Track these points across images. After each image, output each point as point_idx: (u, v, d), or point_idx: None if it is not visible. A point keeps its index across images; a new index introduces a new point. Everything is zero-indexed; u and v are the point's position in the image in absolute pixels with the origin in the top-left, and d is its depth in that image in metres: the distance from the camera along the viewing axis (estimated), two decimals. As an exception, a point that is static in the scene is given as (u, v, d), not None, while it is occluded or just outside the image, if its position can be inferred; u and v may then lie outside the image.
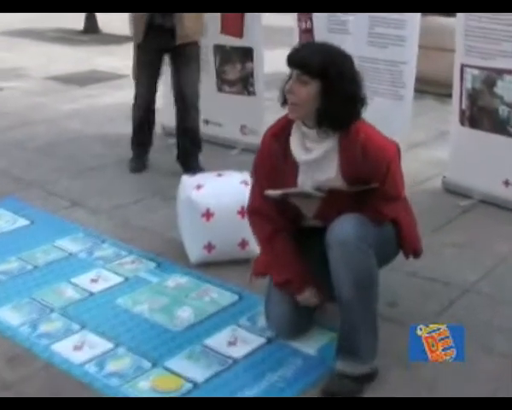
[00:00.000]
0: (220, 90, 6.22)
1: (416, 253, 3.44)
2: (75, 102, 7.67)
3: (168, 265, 4.25)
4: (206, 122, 6.34)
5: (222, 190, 4.11)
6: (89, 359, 3.38)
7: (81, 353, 3.43)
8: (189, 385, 3.18)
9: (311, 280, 3.33)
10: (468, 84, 5.04)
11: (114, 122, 6.69)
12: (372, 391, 3.10)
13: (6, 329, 3.63)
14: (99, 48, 6.31)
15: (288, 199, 3.22)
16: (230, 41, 6.00)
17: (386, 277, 3.84)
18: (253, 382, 3.18)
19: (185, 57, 5.45)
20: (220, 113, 6.23)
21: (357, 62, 5.14)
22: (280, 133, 3.26)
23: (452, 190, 5.28)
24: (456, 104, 5.16)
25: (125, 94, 7.72)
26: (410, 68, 5.20)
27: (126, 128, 6.54)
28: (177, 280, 4.08)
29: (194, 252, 4.20)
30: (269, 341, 3.49)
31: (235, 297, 3.88)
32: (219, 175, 4.29)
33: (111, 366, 3.32)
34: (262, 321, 3.58)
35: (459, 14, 5.04)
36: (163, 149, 6.28)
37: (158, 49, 5.43)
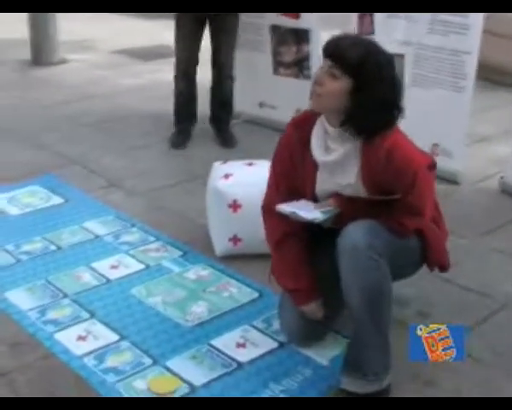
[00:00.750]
0: (276, 72, 5.99)
1: (443, 267, 3.17)
2: (137, 77, 7.57)
3: (194, 255, 4.08)
4: (261, 105, 6.15)
5: (251, 181, 3.89)
6: (90, 351, 3.24)
7: (84, 343, 3.30)
8: (186, 388, 3.00)
9: (318, 292, 3.11)
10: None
11: (170, 100, 6.52)
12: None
13: (16, 312, 3.53)
14: (169, 22, 6.17)
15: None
16: (287, 22, 5.76)
17: (419, 282, 3.63)
18: (252, 392, 2.98)
19: (225, 27, 5.52)
20: (275, 95, 6.02)
21: (416, 50, 4.98)
22: (302, 125, 3.03)
23: (509, 192, 4.94)
24: (518, 99, 4.83)
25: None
26: (473, 59, 4.89)
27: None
28: (198, 272, 3.90)
29: (220, 244, 4.02)
30: (281, 346, 3.29)
31: (256, 294, 3.69)
32: (250, 164, 4.08)
33: (110, 361, 3.17)
34: (277, 324, 3.37)
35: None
36: (211, 132, 6.10)
37: (198, 17, 5.43)
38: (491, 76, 7.42)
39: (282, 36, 5.87)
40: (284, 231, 3.10)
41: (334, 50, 2.81)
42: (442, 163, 4.96)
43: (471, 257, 4.11)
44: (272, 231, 3.17)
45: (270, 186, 3.19)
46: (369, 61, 2.77)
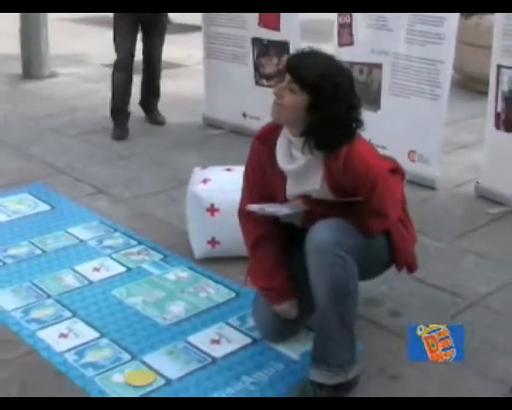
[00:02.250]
0: (258, 83, 6.14)
1: (410, 268, 3.30)
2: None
3: (174, 258, 4.21)
4: (244, 115, 6.29)
5: (228, 186, 4.01)
6: (71, 347, 3.37)
7: (65, 341, 3.42)
8: (162, 381, 3.13)
9: (292, 292, 3.22)
10: (505, 87, 4.84)
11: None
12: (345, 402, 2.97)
13: (0, 312, 3.64)
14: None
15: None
16: (268, 34, 5.91)
17: (393, 281, 3.76)
18: (225, 384, 3.11)
19: (158, 27, 6.39)
20: (258, 106, 6.13)
21: (393, 59, 5.13)
22: (266, 138, 3.16)
23: (485, 197, 5.07)
24: (491, 107, 4.97)
25: (178, 84, 7.83)
26: (447, 68, 5.03)
27: (169, 118, 6.60)
28: (177, 274, 4.03)
29: (199, 246, 4.15)
30: (254, 341, 3.41)
31: (232, 294, 3.82)
32: (228, 170, 4.20)
33: (90, 356, 3.30)
34: (252, 321, 3.49)
35: (497, 14, 4.84)
36: (201, 140, 6.25)
37: (136, 17, 6.15)
38: (472, 86, 7.59)
39: (263, 48, 6.03)
40: (259, 233, 3.24)
41: (294, 67, 2.93)
42: (419, 170, 5.14)
43: (445, 259, 4.24)
44: (248, 233, 3.31)
45: (242, 193, 3.32)
46: (327, 81, 2.86)
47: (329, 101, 2.86)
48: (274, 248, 3.25)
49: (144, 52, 6.53)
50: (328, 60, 2.98)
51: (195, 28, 8.63)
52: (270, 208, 3.07)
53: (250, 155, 3.24)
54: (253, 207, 3.10)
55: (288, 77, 2.93)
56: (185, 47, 9.62)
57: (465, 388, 3.10)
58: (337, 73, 2.93)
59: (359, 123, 2.96)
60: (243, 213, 3.28)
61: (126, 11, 5.99)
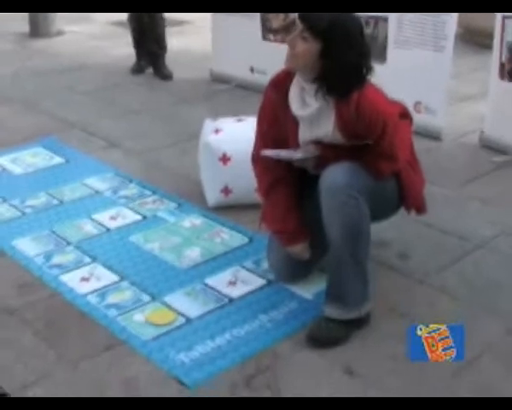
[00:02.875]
0: (264, 38, 6.22)
1: (419, 210, 3.42)
2: (131, 46, 7.75)
3: (188, 206, 4.33)
4: (252, 70, 6.37)
5: (239, 136, 4.12)
6: (93, 290, 3.50)
7: (87, 284, 3.55)
8: (182, 320, 3.26)
9: (305, 234, 3.35)
10: (509, 37, 4.93)
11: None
12: (358, 338, 3.12)
13: (22, 258, 3.79)
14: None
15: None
16: (274, -12, 5.96)
17: (402, 226, 3.90)
18: (243, 321, 3.24)
19: None
20: (265, 61, 6.21)
21: (399, 13, 5.21)
22: (280, 84, 3.26)
23: (489, 146, 5.19)
24: (496, 57, 5.06)
25: (185, 41, 7.89)
26: (453, 19, 5.10)
27: (177, 73, 6.69)
28: (192, 221, 4.15)
29: (212, 195, 4.27)
30: (269, 283, 3.54)
31: (246, 240, 3.94)
32: (239, 120, 4.31)
33: (112, 298, 3.43)
34: (266, 264, 3.62)
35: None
36: (209, 95, 6.35)
37: None
38: (477, 39, 7.66)
39: (270, 2, 6.08)
40: (273, 177, 3.35)
41: (305, 14, 3.03)
42: (425, 120, 5.24)
43: (451, 205, 4.36)
44: (262, 179, 3.43)
45: (256, 140, 3.43)
46: (338, 26, 2.97)
47: (341, 47, 2.97)
48: (287, 192, 3.36)
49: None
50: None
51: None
52: (284, 153, 3.19)
53: (263, 102, 3.35)
54: (268, 152, 3.22)
55: (299, 26, 3.02)
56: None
57: (474, 325, 3.21)
58: (348, 20, 3.04)
59: (369, 69, 3.07)
60: (257, 159, 3.41)
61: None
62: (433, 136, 5.30)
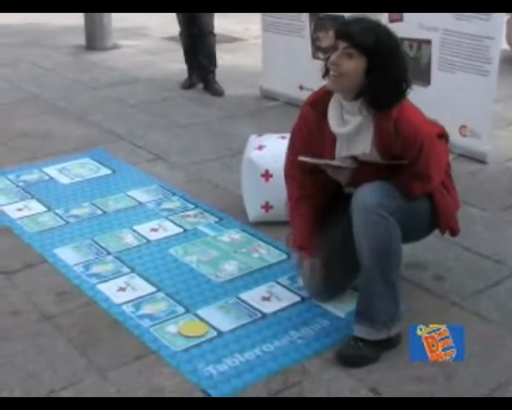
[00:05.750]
0: (314, 56, 6.25)
1: (452, 232, 3.43)
2: (184, 61, 7.86)
3: (228, 221, 4.37)
4: (301, 88, 6.40)
5: (282, 153, 4.12)
6: (128, 300, 3.56)
7: (123, 294, 3.62)
8: (213, 333, 3.30)
9: (311, 251, 3.39)
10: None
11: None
12: (387, 359, 3.11)
13: (62, 266, 3.87)
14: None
15: (320, 167, 3.28)
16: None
17: (439, 248, 3.88)
18: (273, 337, 3.27)
19: None
20: (314, 79, 6.21)
21: (442, 35, 5.19)
22: (318, 103, 3.29)
23: (534, 171, 5.13)
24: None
25: (235, 57, 7.96)
26: (496, 44, 5.06)
27: (226, 90, 6.76)
28: (231, 235, 4.19)
29: (253, 210, 4.31)
30: (302, 300, 3.56)
31: (283, 256, 3.96)
32: (283, 137, 4.33)
33: (146, 308, 3.49)
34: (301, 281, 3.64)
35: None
36: (258, 111, 6.41)
37: None
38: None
39: (320, 21, 6.13)
40: (302, 193, 3.41)
41: (350, 33, 3.04)
42: (470, 144, 5.21)
43: (490, 228, 4.32)
44: (291, 192, 3.48)
45: (289, 155, 3.49)
46: (382, 42, 3.03)
47: (385, 61, 3.02)
48: (312, 208, 3.41)
49: (196, 19, 6.82)
50: (377, 24, 3.13)
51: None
52: (322, 160, 3.23)
53: (299, 120, 3.39)
54: (306, 159, 3.25)
55: (342, 44, 3.05)
56: (242, 21, 9.76)
57: (504, 349, 3.19)
58: (388, 34, 3.09)
59: (409, 82, 3.11)
60: (287, 175, 3.47)
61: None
62: (477, 159, 5.26)
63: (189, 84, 7.16)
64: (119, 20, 9.06)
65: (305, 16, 6.22)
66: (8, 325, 3.36)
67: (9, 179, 4.98)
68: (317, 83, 3.34)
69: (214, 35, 6.98)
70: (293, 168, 3.41)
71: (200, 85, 7.08)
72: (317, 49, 6.25)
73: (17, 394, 2.88)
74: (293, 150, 3.42)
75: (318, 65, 5.90)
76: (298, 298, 3.57)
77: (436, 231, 3.46)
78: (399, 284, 3.17)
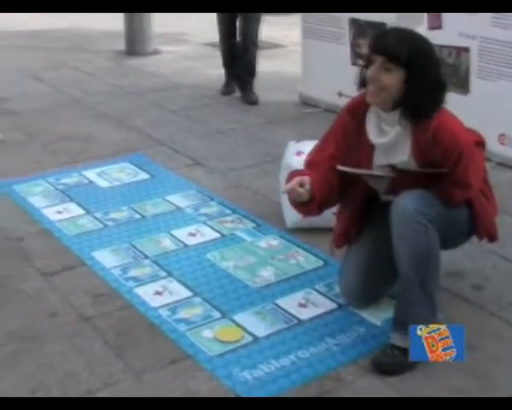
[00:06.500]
0: (354, 63, 6.23)
1: (491, 238, 3.40)
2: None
3: (266, 227, 4.37)
4: (340, 94, 6.38)
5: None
6: (165, 304, 3.58)
7: (160, 297, 3.64)
8: (249, 338, 3.30)
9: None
10: None
11: (256, 91, 6.91)
12: (423, 368, 3.08)
13: (100, 269, 3.91)
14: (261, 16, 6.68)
15: (359, 177, 3.27)
16: (365, 15, 5.99)
17: (477, 257, 3.85)
18: (309, 343, 3.26)
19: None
20: (353, 86, 6.21)
21: (480, 43, 5.15)
22: (356, 111, 3.29)
23: None
24: None
25: (276, 64, 7.97)
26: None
27: (266, 96, 6.77)
28: (269, 241, 4.20)
29: (290, 216, 4.30)
30: (339, 307, 3.54)
31: (321, 262, 3.96)
32: (321, 144, 4.33)
33: (183, 313, 3.50)
34: (338, 288, 3.63)
35: None
36: (297, 118, 6.40)
37: None
38: None
39: (360, 28, 6.11)
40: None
41: (386, 48, 3.05)
42: (509, 152, 5.16)
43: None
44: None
45: (316, 146, 3.46)
46: (419, 51, 3.04)
47: (423, 70, 3.03)
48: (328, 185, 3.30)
49: (241, 28, 6.80)
50: (410, 32, 3.14)
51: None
52: (361, 170, 3.22)
53: (336, 124, 3.39)
54: (344, 168, 3.23)
55: (379, 58, 3.05)
56: (282, 28, 9.77)
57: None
58: (423, 42, 3.10)
59: (446, 89, 3.12)
60: (310, 164, 3.38)
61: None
62: (518, 168, 5.21)
63: (227, 91, 7.17)
64: (159, 26, 9.12)
65: (345, 23, 6.21)
66: (46, 327, 3.39)
67: (50, 182, 5.03)
68: (355, 90, 3.33)
69: (257, 46, 6.93)
70: (320, 159, 3.33)
71: (238, 92, 7.08)
72: (356, 55, 6.23)
73: (55, 393, 2.92)
74: (325, 143, 3.39)
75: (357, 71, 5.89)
76: (334, 305, 3.56)
77: (474, 239, 3.43)
78: (438, 294, 3.14)
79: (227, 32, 6.93)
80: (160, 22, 9.24)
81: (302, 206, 3.27)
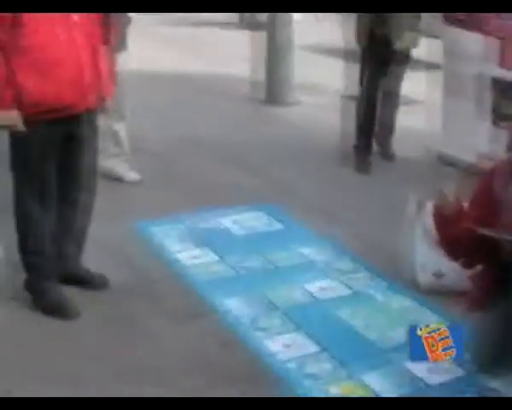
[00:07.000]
0: (495, 123, 6.12)
1: None
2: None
3: (399, 286, 4.33)
4: (479, 155, 6.28)
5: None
6: (293, 357, 3.61)
7: (288, 350, 3.67)
8: (374, 399, 3.27)
9: None
10: None
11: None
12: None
13: (231, 317, 3.98)
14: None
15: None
16: (509, 75, 5.90)
17: None
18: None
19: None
20: (493, 147, 6.12)
21: None
22: (502, 173, 3.29)
23: None
24: None
25: (413, 120, 7.88)
26: None
27: (402, 152, 6.75)
28: (401, 302, 4.16)
29: (424, 277, 4.27)
30: (468, 373, 3.47)
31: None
32: (457, 205, 4.27)
33: (310, 368, 3.52)
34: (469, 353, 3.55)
35: None
36: (435, 175, 6.31)
37: (380, 55, 6.30)
38: None
39: (503, 88, 6.01)
40: None
41: None
42: None
43: None
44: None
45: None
46: None
47: None
48: None
49: (384, 85, 6.65)
50: None
51: (434, 66, 8.68)
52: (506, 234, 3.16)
53: (482, 186, 3.40)
54: (489, 232, 3.19)
55: None
56: (422, 84, 9.67)
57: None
58: None
59: None
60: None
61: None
62: None
63: (364, 168, 6.65)
64: (299, 76, 9.18)
65: (487, 82, 6.11)
66: (172, 369, 3.49)
67: (185, 226, 5.15)
68: (495, 151, 3.30)
69: (397, 106, 6.92)
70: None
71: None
72: (498, 116, 6.12)
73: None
74: (466, 215, 3.38)
75: (498, 132, 5.82)
76: (463, 372, 3.50)
77: None
78: None
79: (372, 81, 6.54)
80: (300, 72, 9.28)
81: None
